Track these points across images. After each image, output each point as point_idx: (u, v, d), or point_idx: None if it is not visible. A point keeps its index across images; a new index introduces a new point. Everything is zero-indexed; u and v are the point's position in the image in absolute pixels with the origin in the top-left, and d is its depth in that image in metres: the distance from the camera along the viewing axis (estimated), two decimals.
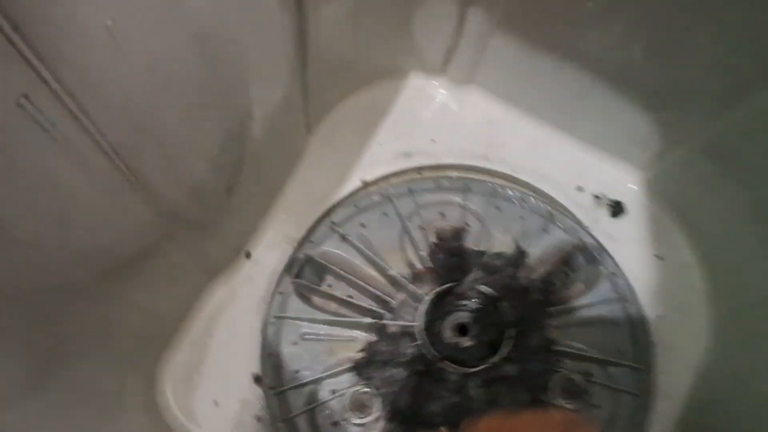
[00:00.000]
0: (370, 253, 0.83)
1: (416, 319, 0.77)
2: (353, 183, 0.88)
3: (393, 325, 0.79)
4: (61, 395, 0.55)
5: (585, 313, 0.81)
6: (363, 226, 0.85)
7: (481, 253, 0.82)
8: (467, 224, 0.85)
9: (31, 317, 0.48)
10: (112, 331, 0.64)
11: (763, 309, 0.75)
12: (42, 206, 0.44)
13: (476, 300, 0.80)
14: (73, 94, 0.40)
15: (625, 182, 0.88)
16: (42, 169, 0.42)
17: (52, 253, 0.47)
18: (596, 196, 0.87)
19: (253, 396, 0.78)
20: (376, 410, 0.77)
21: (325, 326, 0.81)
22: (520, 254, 0.82)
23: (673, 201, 0.85)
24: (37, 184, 0.43)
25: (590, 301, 0.81)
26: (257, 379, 0.79)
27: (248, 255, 0.84)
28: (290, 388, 0.78)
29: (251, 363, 0.80)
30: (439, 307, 0.80)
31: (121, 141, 0.48)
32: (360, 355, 0.79)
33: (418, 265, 0.83)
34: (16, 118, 0.37)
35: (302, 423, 0.78)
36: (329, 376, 0.79)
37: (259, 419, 0.78)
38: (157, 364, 0.77)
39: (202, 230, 0.73)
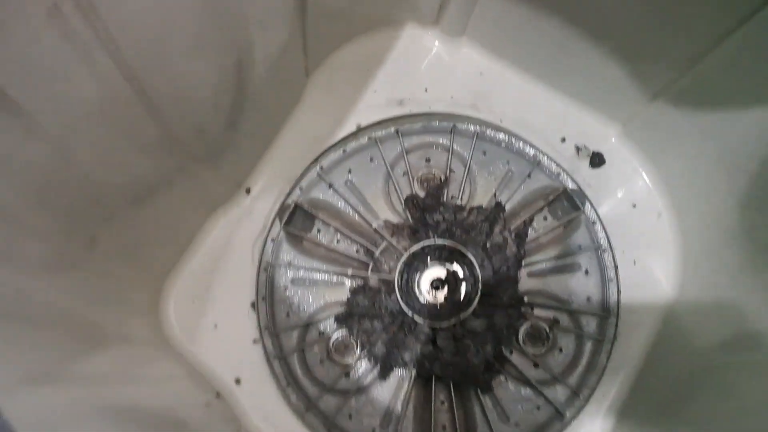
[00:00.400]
0: (355, 202, 0.86)
1: (394, 274, 0.81)
2: (349, 127, 0.90)
3: (373, 277, 0.83)
4: (86, 277, 0.65)
5: (559, 261, 0.85)
6: (350, 171, 0.87)
7: (459, 208, 0.85)
8: (452, 170, 0.87)
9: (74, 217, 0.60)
10: (131, 243, 0.72)
11: (726, 256, 0.81)
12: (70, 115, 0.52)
13: (452, 257, 0.84)
14: (95, 8, 0.46)
15: (606, 135, 0.90)
16: (65, 74, 0.49)
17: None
18: (578, 147, 0.90)
19: (251, 322, 0.84)
20: (358, 353, 0.83)
21: (314, 273, 0.85)
22: (498, 208, 0.84)
23: (649, 152, 0.88)
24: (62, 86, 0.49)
25: (566, 250, 0.85)
26: (254, 306, 0.84)
27: (248, 191, 0.87)
28: (283, 330, 0.83)
29: (249, 292, 0.86)
30: (416, 263, 0.84)
31: (135, 60, 0.54)
32: (342, 308, 0.84)
33: (401, 215, 0.86)
34: (46, 27, 0.43)
35: (294, 360, 0.84)
36: (318, 321, 0.84)
37: (255, 341, 0.84)
38: (162, 287, 0.83)
39: (205, 164, 0.78)
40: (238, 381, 0.84)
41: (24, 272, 0.54)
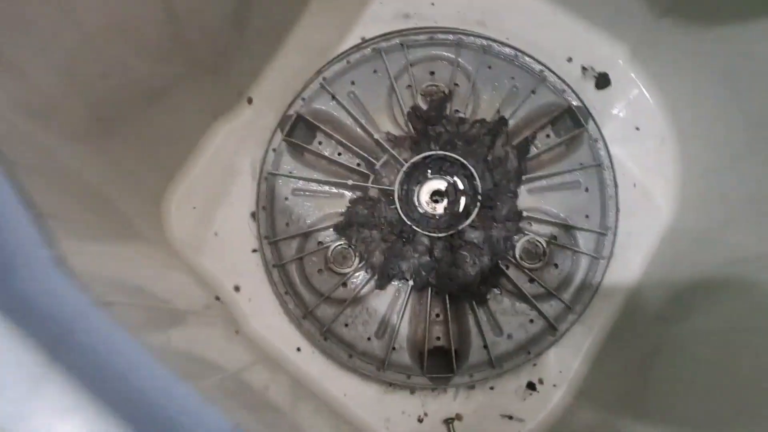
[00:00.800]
0: (357, 114, 0.85)
1: (394, 184, 0.81)
2: (353, 40, 0.89)
3: (373, 188, 0.83)
4: (104, 159, 0.69)
5: (560, 178, 0.85)
6: (353, 83, 0.86)
7: (462, 120, 0.84)
8: (456, 84, 0.86)
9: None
10: (139, 141, 0.75)
11: (727, 183, 0.81)
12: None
13: (452, 169, 0.84)
14: None
15: (613, 56, 0.89)
16: None
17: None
18: (584, 68, 0.89)
19: (251, 231, 0.85)
20: (356, 263, 0.84)
21: (315, 184, 0.86)
22: (501, 122, 0.84)
23: (656, 75, 0.87)
24: None
25: (568, 167, 0.85)
26: (253, 216, 0.85)
27: (250, 101, 0.87)
28: (282, 239, 0.84)
29: (249, 202, 0.87)
30: (417, 174, 0.84)
31: None
32: (341, 219, 0.84)
33: (403, 128, 0.85)
34: None
35: (292, 269, 0.85)
36: (316, 230, 0.84)
37: (254, 250, 0.85)
38: (164, 191, 0.85)
39: (209, 70, 0.78)
40: (237, 288, 0.86)
41: (56, 136, 0.58)
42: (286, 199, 0.86)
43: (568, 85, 0.86)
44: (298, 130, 0.88)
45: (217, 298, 0.83)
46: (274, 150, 0.86)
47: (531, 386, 0.86)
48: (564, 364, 0.86)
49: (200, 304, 0.79)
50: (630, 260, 0.87)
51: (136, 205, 0.77)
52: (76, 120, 0.63)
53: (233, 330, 0.81)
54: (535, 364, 0.86)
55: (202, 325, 0.73)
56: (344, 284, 0.84)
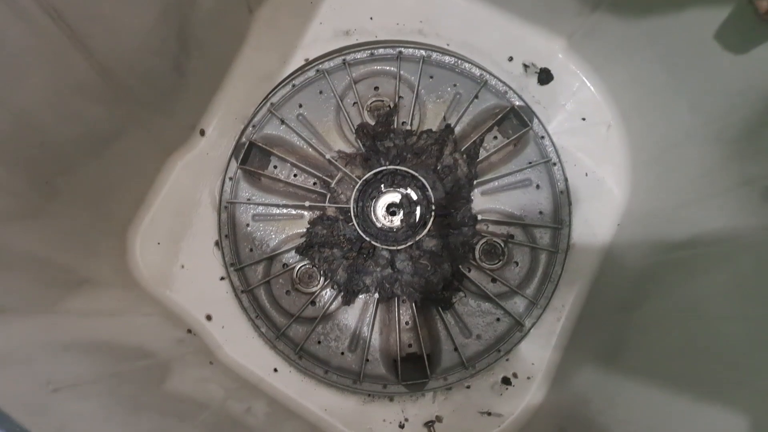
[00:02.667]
0: (308, 135, 0.87)
1: (350, 203, 0.83)
2: (297, 62, 0.90)
3: (330, 207, 0.85)
4: (52, 224, 0.68)
5: (511, 178, 0.87)
6: (301, 106, 0.88)
7: (409, 133, 0.86)
8: (400, 96, 0.87)
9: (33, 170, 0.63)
10: (92, 191, 0.75)
11: (673, 160, 0.83)
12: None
13: (405, 182, 0.85)
14: None
15: (552, 50, 0.91)
16: None
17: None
18: (525, 65, 0.90)
19: (216, 260, 0.86)
20: (321, 281, 0.85)
21: (274, 208, 0.87)
22: (447, 130, 0.86)
23: (595, 64, 0.89)
24: None
25: (517, 166, 0.87)
26: (217, 245, 0.86)
27: (202, 132, 0.89)
28: (247, 265, 0.86)
29: (212, 232, 0.88)
30: (371, 190, 0.86)
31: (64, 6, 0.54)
32: (301, 240, 0.86)
33: (353, 145, 0.87)
34: None
35: (261, 293, 0.87)
36: (280, 254, 0.86)
37: (222, 278, 0.86)
38: (126, 233, 0.86)
39: (156, 109, 0.79)
40: (209, 317, 0.87)
41: None
42: (248, 225, 0.87)
43: (509, 87, 0.88)
44: (253, 157, 0.89)
45: (189, 331, 0.84)
46: (230, 179, 0.87)
47: (506, 381, 0.88)
48: (535, 356, 0.88)
49: (173, 340, 0.80)
50: (588, 248, 0.89)
51: (97, 256, 0.78)
52: (17, 194, 0.62)
53: (207, 361, 0.82)
54: (507, 359, 0.88)
55: (178, 365, 0.75)
56: (313, 303, 0.86)
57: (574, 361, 0.88)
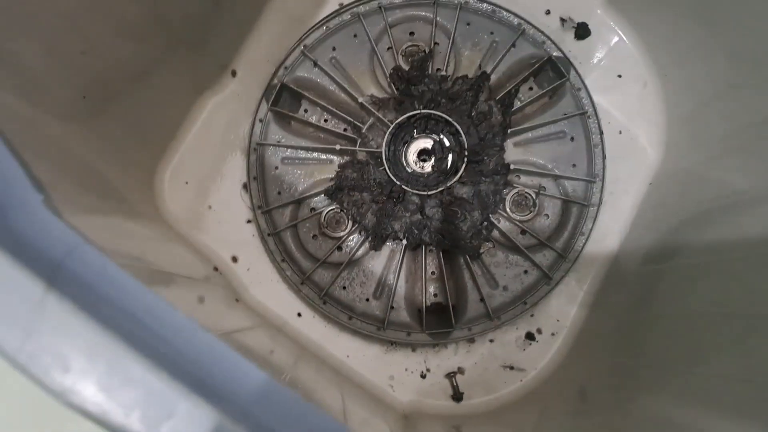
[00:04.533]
0: (340, 79, 0.86)
1: (381, 146, 0.82)
2: (331, 6, 0.89)
3: (361, 152, 0.84)
4: (96, 136, 0.70)
5: (545, 129, 0.86)
6: (334, 49, 0.87)
7: (444, 78, 0.84)
8: (436, 42, 0.86)
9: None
10: (128, 119, 0.76)
11: (711, 122, 0.82)
12: None
13: (437, 127, 0.84)
14: None
15: (590, 5, 0.89)
16: None
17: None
18: (563, 19, 0.89)
19: (243, 203, 0.86)
20: (349, 226, 0.85)
21: (303, 152, 0.86)
22: (483, 77, 0.84)
23: (634, 20, 0.87)
24: None
25: (552, 117, 0.86)
26: (245, 187, 0.86)
27: (234, 73, 0.88)
28: (275, 208, 0.85)
29: (240, 173, 0.88)
30: (403, 134, 0.85)
31: None
32: (329, 184, 0.85)
33: (386, 90, 0.86)
34: None
35: (287, 236, 0.86)
36: (308, 197, 0.85)
37: (249, 221, 0.86)
38: (156, 168, 0.85)
39: (191, 46, 0.79)
40: (234, 258, 0.87)
41: (44, 114, 0.60)
42: (276, 168, 0.87)
43: (547, 37, 0.87)
44: (284, 99, 0.88)
45: (216, 269, 0.84)
46: (261, 120, 0.87)
47: (530, 336, 0.88)
48: (561, 312, 0.88)
49: (200, 275, 0.80)
50: (619, 206, 0.88)
51: (129, 182, 0.78)
52: (63, 99, 0.64)
53: (233, 298, 0.82)
54: (532, 315, 0.88)
55: (203, 291, 0.74)
56: (339, 248, 0.85)
57: (599, 320, 0.87)
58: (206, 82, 0.86)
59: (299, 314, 0.87)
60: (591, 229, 0.86)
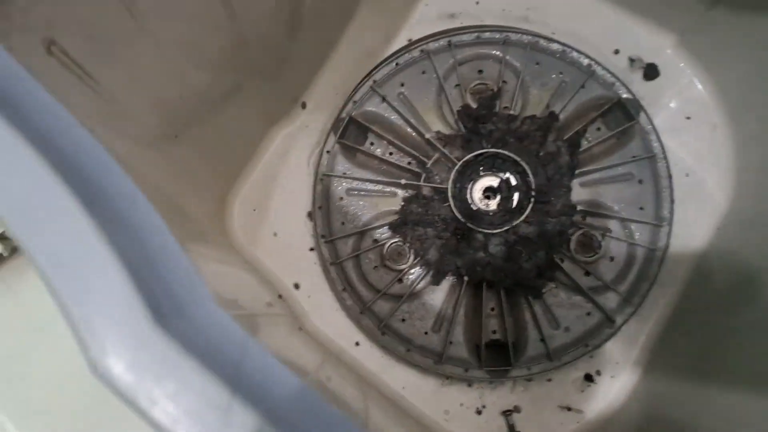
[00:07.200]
0: (407, 115, 0.87)
1: (447, 183, 0.83)
2: (400, 42, 0.91)
3: (426, 187, 0.85)
4: (172, 162, 0.74)
5: (612, 171, 0.85)
6: (402, 85, 0.88)
7: (512, 117, 0.85)
8: (504, 81, 0.87)
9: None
10: (203, 148, 0.79)
11: None
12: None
13: (504, 166, 0.85)
14: None
15: (660, 46, 0.89)
16: None
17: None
18: (631, 59, 0.89)
19: (307, 231, 0.88)
20: (411, 259, 0.86)
21: (368, 184, 0.88)
22: (552, 117, 0.85)
23: (705, 63, 0.86)
24: None
25: (620, 159, 0.85)
26: (310, 216, 0.88)
27: (304, 105, 0.90)
28: (338, 238, 0.87)
29: (306, 203, 0.90)
30: (469, 172, 0.85)
31: None
32: (395, 217, 0.86)
33: (453, 127, 0.87)
34: None
35: (349, 266, 0.87)
36: (371, 229, 0.87)
37: (311, 249, 0.88)
38: (227, 195, 0.89)
39: (266, 77, 0.82)
40: (297, 286, 0.89)
41: (128, 142, 0.63)
42: (341, 198, 0.88)
43: (617, 78, 0.87)
44: (350, 132, 0.90)
45: (280, 296, 0.86)
46: (328, 152, 0.89)
47: (588, 378, 0.87)
48: (621, 355, 0.86)
49: (263, 302, 0.82)
50: (685, 251, 0.86)
51: (201, 208, 0.81)
52: (147, 127, 0.67)
53: (297, 327, 0.84)
54: (591, 356, 0.87)
55: (270, 325, 0.76)
56: (400, 280, 0.86)
57: (660, 366, 0.85)
58: (278, 114, 0.89)
59: (357, 343, 0.88)
60: (657, 274, 0.85)
